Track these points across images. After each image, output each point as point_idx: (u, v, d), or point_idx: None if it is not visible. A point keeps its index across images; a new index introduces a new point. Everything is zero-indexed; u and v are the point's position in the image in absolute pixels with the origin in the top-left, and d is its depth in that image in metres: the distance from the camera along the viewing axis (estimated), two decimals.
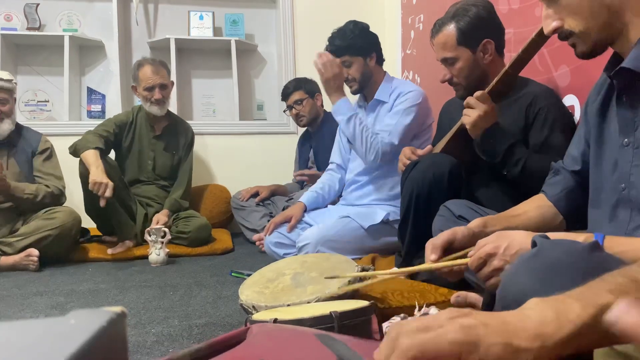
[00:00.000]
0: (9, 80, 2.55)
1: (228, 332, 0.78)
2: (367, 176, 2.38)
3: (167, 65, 2.98)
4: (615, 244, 0.77)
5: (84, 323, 0.29)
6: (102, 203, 2.44)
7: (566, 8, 0.92)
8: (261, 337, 0.75)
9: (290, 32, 3.70)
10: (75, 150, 2.62)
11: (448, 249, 1.06)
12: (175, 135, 3.03)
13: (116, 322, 0.31)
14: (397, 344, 0.45)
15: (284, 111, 3.22)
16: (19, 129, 2.66)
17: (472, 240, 1.07)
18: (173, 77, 3.52)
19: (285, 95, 3.10)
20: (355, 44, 2.27)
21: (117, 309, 0.32)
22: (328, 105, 3.12)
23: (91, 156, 2.54)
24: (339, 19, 2.41)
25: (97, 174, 2.45)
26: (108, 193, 2.43)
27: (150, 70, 2.85)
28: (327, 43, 2.33)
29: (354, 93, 2.37)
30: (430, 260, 1.04)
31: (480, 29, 1.64)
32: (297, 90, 3.05)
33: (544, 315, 0.46)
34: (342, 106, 2.21)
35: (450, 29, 1.64)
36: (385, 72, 2.38)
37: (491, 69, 1.65)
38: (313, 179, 2.99)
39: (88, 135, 2.69)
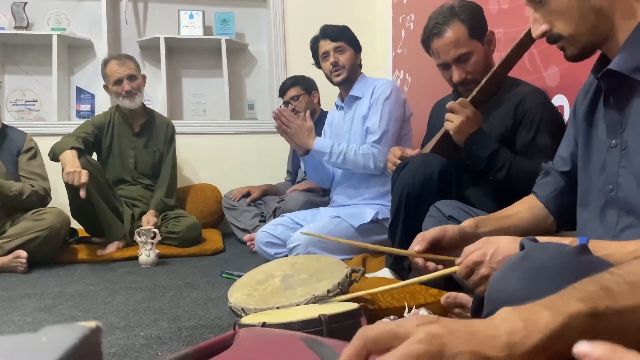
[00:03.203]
0: None
1: (216, 336, 0.78)
2: (349, 177, 2.41)
3: (134, 58, 2.96)
4: (599, 248, 0.77)
5: (55, 340, 0.28)
6: (82, 194, 2.38)
7: (555, 12, 0.92)
8: (248, 341, 0.74)
9: (281, 31, 3.69)
10: (53, 155, 2.60)
11: (436, 245, 1.08)
12: (155, 131, 3.02)
13: (89, 339, 0.30)
14: None
15: (280, 107, 3.20)
16: (3, 128, 2.64)
17: (461, 239, 1.08)
18: (163, 77, 3.51)
19: (282, 91, 3.09)
20: (350, 35, 2.37)
21: (92, 324, 0.31)
22: (325, 103, 3.13)
23: (67, 156, 2.51)
24: (330, 18, 2.41)
25: (71, 168, 2.42)
26: (83, 179, 2.38)
27: (116, 63, 2.85)
28: (319, 33, 2.38)
29: (340, 82, 2.37)
30: (415, 250, 1.06)
31: (482, 20, 1.64)
32: (294, 86, 3.04)
33: (513, 325, 0.46)
34: (319, 145, 2.24)
35: (458, 24, 1.60)
36: (361, 72, 2.44)
37: (493, 62, 1.64)
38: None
39: (65, 138, 2.66)
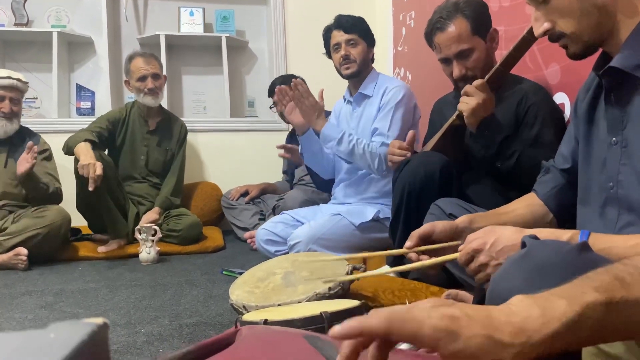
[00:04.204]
0: (25, 83, 2.62)
1: (218, 334, 0.78)
2: (354, 174, 2.38)
3: (158, 58, 2.98)
4: (600, 241, 0.77)
5: (64, 337, 0.28)
6: (90, 187, 2.36)
7: (557, 10, 0.91)
8: (250, 339, 0.74)
9: (281, 28, 3.69)
10: (67, 148, 2.61)
11: (427, 241, 1.10)
12: (169, 130, 3.03)
13: (97, 335, 0.30)
14: (378, 313, 0.45)
15: (270, 107, 3.20)
16: (19, 129, 2.66)
17: (453, 234, 1.10)
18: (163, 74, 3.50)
19: (271, 92, 3.07)
20: (364, 27, 2.31)
21: (99, 320, 0.32)
22: (328, 101, 3.12)
23: (82, 148, 2.52)
24: (330, 15, 2.39)
25: (85, 159, 2.42)
26: (98, 171, 2.37)
27: (142, 60, 2.85)
28: (333, 22, 2.31)
29: (349, 75, 2.30)
30: (405, 246, 1.10)
31: (486, 17, 1.64)
32: (285, 85, 3.02)
33: (529, 312, 0.45)
34: (329, 130, 2.17)
35: (462, 20, 1.60)
36: (373, 67, 2.39)
37: (495, 60, 1.64)
38: (295, 156, 2.77)
39: (79, 132, 2.68)
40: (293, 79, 2.19)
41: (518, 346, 0.44)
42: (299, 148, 2.45)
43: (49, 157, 2.71)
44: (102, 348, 0.31)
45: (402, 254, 1.14)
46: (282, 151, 2.76)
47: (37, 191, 2.51)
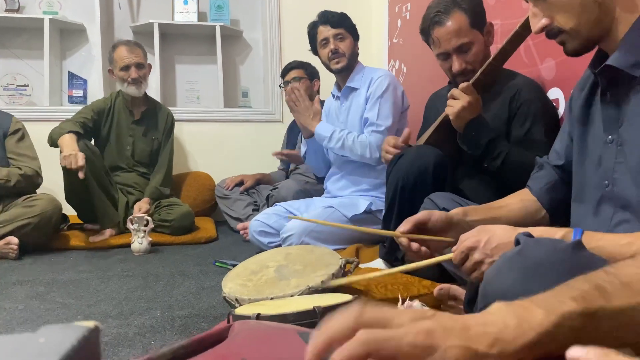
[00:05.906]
0: None
1: (210, 329, 0.77)
2: (345, 168, 2.40)
3: (142, 46, 2.94)
4: (593, 239, 0.78)
5: (54, 341, 0.28)
6: (80, 175, 2.36)
7: (556, 5, 0.91)
8: (243, 335, 0.74)
9: (276, 18, 3.66)
10: (52, 140, 2.58)
11: (422, 229, 1.11)
12: (155, 119, 3.00)
13: (88, 339, 0.29)
14: (355, 336, 0.45)
15: (280, 85, 3.19)
16: None
17: (447, 225, 1.11)
18: (156, 63, 3.47)
19: (284, 71, 3.08)
20: (350, 22, 2.35)
21: (90, 324, 0.31)
22: (324, 93, 3.12)
23: (66, 139, 2.50)
24: (325, 5, 2.39)
25: (68, 150, 2.40)
26: (80, 162, 2.35)
27: (125, 49, 2.82)
28: (318, 19, 2.34)
29: (339, 69, 2.33)
30: (399, 230, 1.11)
31: (483, 11, 1.64)
32: (299, 68, 3.04)
33: (506, 322, 0.46)
34: (321, 129, 2.28)
35: (460, 13, 1.59)
36: (359, 62, 2.41)
37: (491, 54, 1.64)
38: (293, 159, 2.96)
39: (63, 123, 2.65)
40: (291, 85, 2.23)
41: (494, 356, 0.44)
42: (301, 151, 2.50)
43: (23, 137, 2.66)
44: (93, 353, 0.30)
45: (393, 237, 1.14)
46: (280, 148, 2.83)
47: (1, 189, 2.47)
